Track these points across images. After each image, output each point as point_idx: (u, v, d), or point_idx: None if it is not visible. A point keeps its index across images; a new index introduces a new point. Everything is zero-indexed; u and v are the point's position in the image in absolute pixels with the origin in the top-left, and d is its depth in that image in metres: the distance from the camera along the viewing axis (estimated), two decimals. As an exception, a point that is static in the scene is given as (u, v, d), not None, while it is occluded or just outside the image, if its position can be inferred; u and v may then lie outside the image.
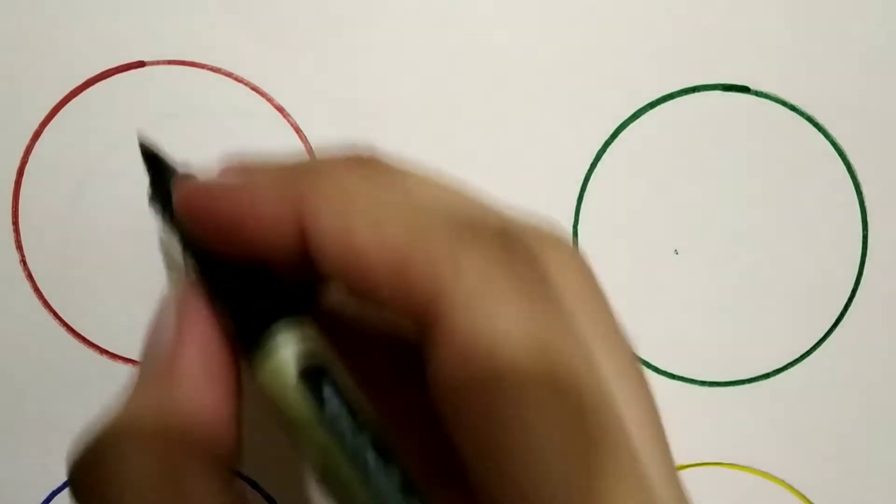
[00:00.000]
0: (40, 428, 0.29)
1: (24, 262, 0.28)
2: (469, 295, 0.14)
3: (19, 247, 0.28)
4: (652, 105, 0.30)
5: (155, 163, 0.22)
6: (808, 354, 0.31)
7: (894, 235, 0.31)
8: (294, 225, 0.16)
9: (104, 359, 0.29)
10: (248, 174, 0.17)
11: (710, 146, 0.30)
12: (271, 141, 0.29)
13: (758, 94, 0.30)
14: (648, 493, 0.14)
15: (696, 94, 0.30)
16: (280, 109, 0.29)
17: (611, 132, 0.30)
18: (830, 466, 0.32)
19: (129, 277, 0.29)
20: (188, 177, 0.20)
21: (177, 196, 0.18)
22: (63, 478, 0.29)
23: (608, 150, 0.30)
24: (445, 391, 0.14)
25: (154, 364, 0.18)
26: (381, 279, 0.15)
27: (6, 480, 0.29)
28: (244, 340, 0.16)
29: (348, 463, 0.14)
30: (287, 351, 0.15)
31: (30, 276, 0.29)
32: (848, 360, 0.31)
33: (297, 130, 0.29)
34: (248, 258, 0.16)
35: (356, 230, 0.15)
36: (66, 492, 0.29)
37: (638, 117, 0.30)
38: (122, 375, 0.29)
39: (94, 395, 0.29)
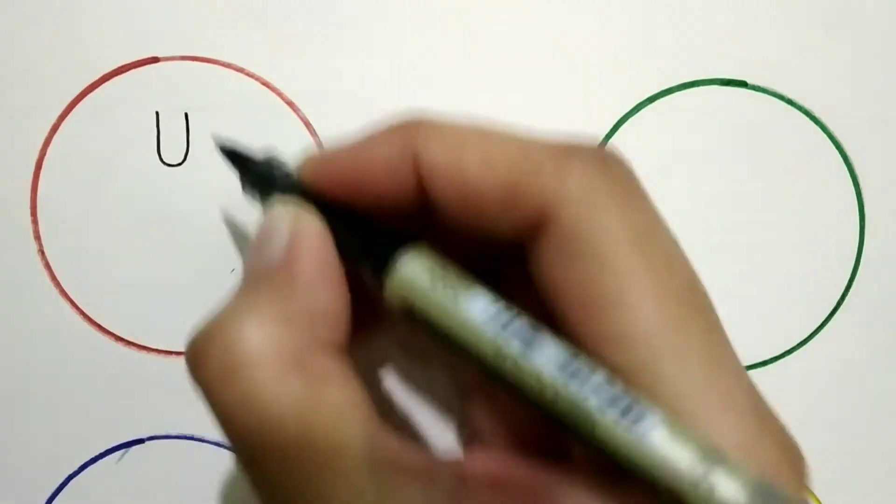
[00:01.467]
0: (57, 413, 0.30)
1: (42, 251, 0.29)
2: (574, 196, 0.17)
3: (37, 237, 0.29)
4: (650, 100, 0.30)
5: (236, 157, 0.25)
6: (804, 344, 0.32)
7: (891, 228, 0.31)
8: (411, 168, 0.18)
9: (121, 347, 0.30)
10: (363, 137, 0.19)
11: (709, 140, 0.31)
12: (282, 135, 0.29)
13: (755, 88, 0.30)
14: (720, 333, 0.17)
15: (695, 89, 0.30)
16: (290, 104, 0.29)
17: (610, 126, 0.30)
18: (825, 455, 0.32)
19: (145, 267, 0.29)
20: (276, 159, 0.23)
21: (305, 172, 0.20)
22: (79, 462, 0.30)
23: (607, 144, 0.30)
24: (555, 281, 0.17)
25: (268, 265, 0.19)
26: (492, 202, 0.17)
27: (23, 466, 0.30)
28: (375, 267, 0.18)
29: (503, 346, 0.16)
30: (420, 263, 0.18)
31: (47, 266, 0.29)
32: (843, 351, 0.32)
33: (308, 125, 0.29)
34: (371, 208, 0.19)
35: (467, 166, 0.17)
36: (82, 475, 0.30)
37: (637, 112, 0.30)
38: (139, 363, 0.30)
39: (111, 383, 0.30)
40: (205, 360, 0.18)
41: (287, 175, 0.22)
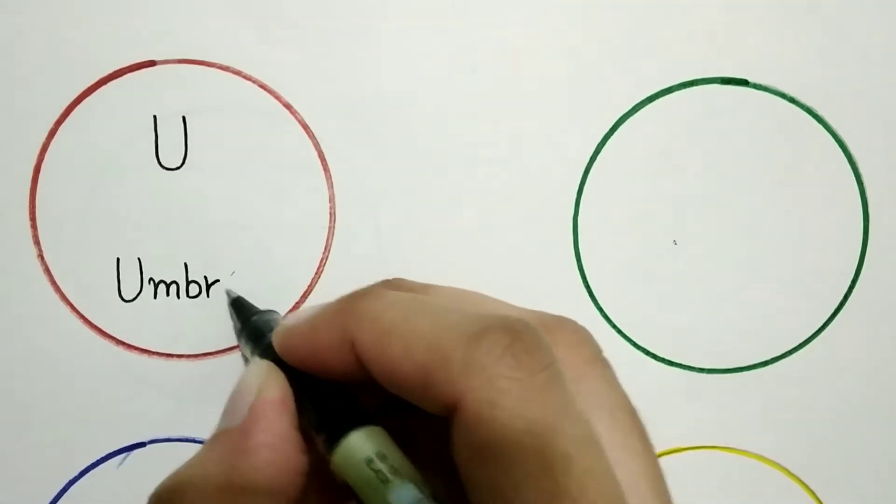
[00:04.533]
0: (57, 418, 0.30)
1: (41, 256, 0.29)
2: (475, 391, 0.18)
3: (37, 242, 0.29)
4: (651, 98, 0.30)
5: (240, 307, 0.28)
6: (808, 343, 0.32)
7: (894, 227, 0.31)
8: (350, 351, 0.20)
9: (121, 350, 0.30)
10: (316, 314, 0.21)
11: (710, 139, 0.31)
12: (279, 137, 0.29)
13: (757, 86, 0.30)
14: None
15: (695, 88, 0.30)
16: (288, 106, 0.29)
17: (610, 125, 0.30)
18: (827, 452, 0.32)
19: (145, 271, 0.29)
20: (273, 320, 0.27)
21: (275, 342, 0.22)
22: (80, 467, 0.30)
23: (608, 142, 0.30)
24: (463, 465, 0.18)
25: (227, 429, 0.21)
26: (413, 388, 0.19)
27: (23, 470, 0.30)
28: (327, 441, 0.20)
29: None
30: (358, 448, 0.20)
31: (47, 271, 0.29)
32: (846, 349, 0.32)
33: (305, 127, 0.29)
34: (331, 377, 0.21)
35: (391, 353, 0.19)
36: (83, 481, 0.30)
37: (637, 110, 0.30)
38: (138, 367, 0.30)
39: (112, 387, 0.30)
40: None
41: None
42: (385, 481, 0.19)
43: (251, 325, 0.27)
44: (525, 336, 0.18)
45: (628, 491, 0.18)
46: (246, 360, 0.28)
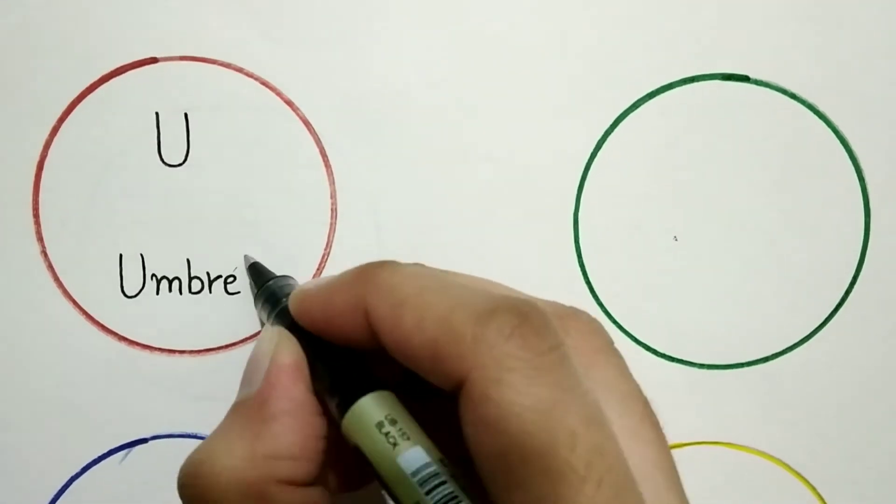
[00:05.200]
0: (60, 414, 0.30)
1: (44, 252, 0.29)
2: (484, 368, 0.18)
3: (40, 238, 0.29)
4: (652, 95, 0.30)
5: (257, 272, 0.28)
6: (808, 339, 0.32)
7: (896, 223, 0.31)
8: (363, 318, 0.20)
9: (124, 346, 0.30)
10: (332, 281, 0.22)
11: (711, 135, 0.31)
12: (281, 134, 0.29)
13: (758, 82, 0.30)
14: None
15: (696, 84, 0.30)
16: (289, 103, 0.29)
17: (611, 122, 0.30)
18: (828, 447, 0.32)
19: (147, 267, 0.29)
20: (289, 285, 0.27)
21: (291, 305, 0.23)
22: (82, 463, 0.30)
23: (608, 139, 0.30)
24: (470, 440, 0.18)
25: (245, 400, 0.22)
26: (423, 360, 0.19)
27: (26, 467, 0.30)
28: (339, 405, 0.21)
29: (419, 489, 0.19)
30: (369, 412, 0.20)
31: (50, 267, 0.29)
32: (847, 345, 0.32)
33: (307, 123, 0.29)
34: (343, 342, 0.22)
35: (403, 324, 0.19)
36: (85, 476, 0.30)
37: (638, 107, 0.30)
38: (141, 363, 0.30)
39: (114, 383, 0.30)
40: (186, 489, 0.21)
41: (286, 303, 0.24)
42: (394, 444, 0.19)
43: (267, 289, 0.27)
44: (533, 318, 0.19)
45: (641, 478, 0.18)
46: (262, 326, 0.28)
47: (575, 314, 0.21)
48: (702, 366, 0.32)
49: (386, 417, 0.20)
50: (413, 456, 0.19)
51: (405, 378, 0.21)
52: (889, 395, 0.32)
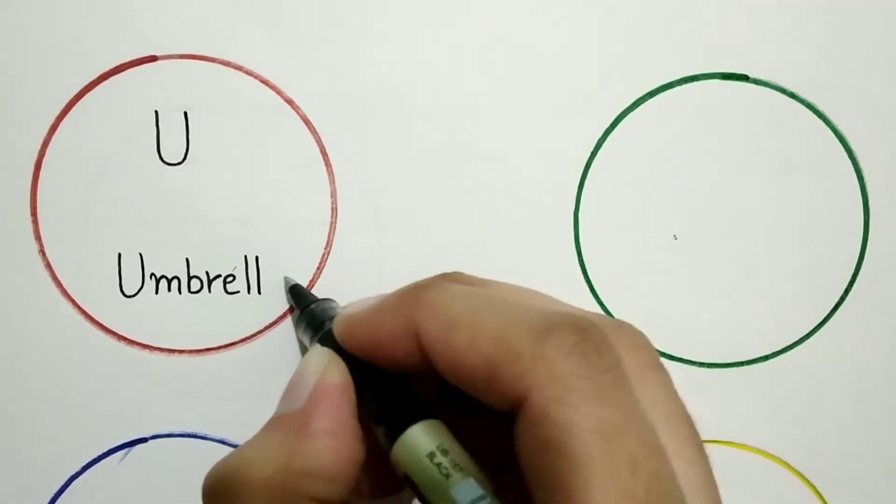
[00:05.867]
0: (59, 414, 0.30)
1: (42, 251, 0.29)
2: (543, 388, 0.17)
3: (38, 237, 0.29)
4: (652, 94, 0.30)
5: (298, 295, 0.29)
6: (807, 338, 0.32)
7: (895, 222, 0.31)
8: (414, 341, 0.20)
9: (123, 345, 0.30)
10: (379, 304, 0.21)
11: (710, 134, 0.31)
12: (281, 133, 0.29)
13: (757, 81, 0.30)
14: None
15: (696, 83, 0.30)
16: (290, 102, 0.29)
17: (611, 121, 0.30)
18: (829, 446, 0.32)
19: (146, 266, 0.29)
20: (331, 308, 0.27)
21: (337, 330, 0.22)
22: (81, 462, 0.30)
23: (608, 138, 0.30)
24: (527, 461, 0.18)
25: (287, 413, 0.21)
26: (478, 381, 0.19)
27: (26, 466, 0.30)
28: (388, 433, 0.20)
29: None
30: (420, 442, 0.20)
31: (48, 265, 0.29)
32: (847, 343, 0.32)
33: (307, 122, 0.29)
34: (392, 367, 0.21)
35: (457, 345, 0.19)
36: (84, 475, 0.30)
37: (638, 106, 0.30)
38: (139, 361, 0.30)
39: (113, 382, 0.30)
40: (213, 495, 0.21)
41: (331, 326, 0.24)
42: (447, 476, 0.19)
43: (310, 312, 0.27)
44: (593, 335, 0.18)
45: (688, 500, 0.18)
46: (303, 349, 0.28)
47: (622, 328, 0.20)
48: (702, 364, 0.32)
49: (437, 447, 0.19)
50: (467, 488, 0.19)
51: (438, 395, 0.21)
52: (889, 394, 0.32)
